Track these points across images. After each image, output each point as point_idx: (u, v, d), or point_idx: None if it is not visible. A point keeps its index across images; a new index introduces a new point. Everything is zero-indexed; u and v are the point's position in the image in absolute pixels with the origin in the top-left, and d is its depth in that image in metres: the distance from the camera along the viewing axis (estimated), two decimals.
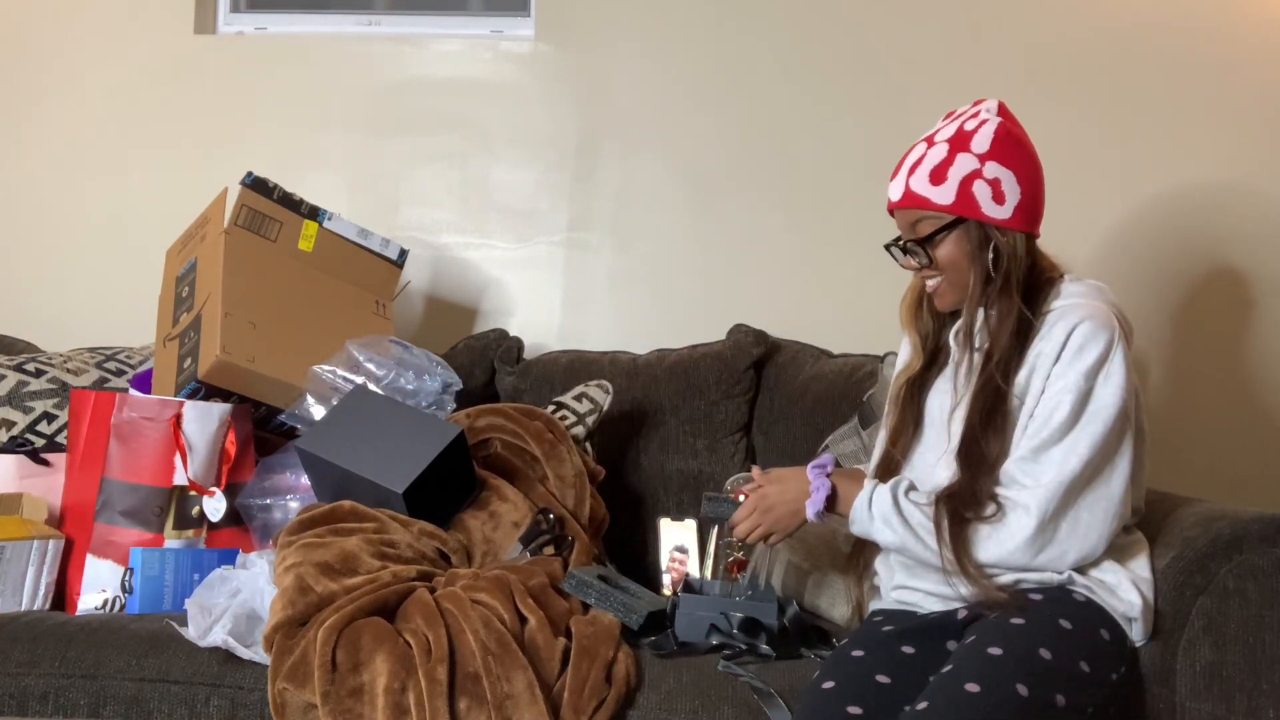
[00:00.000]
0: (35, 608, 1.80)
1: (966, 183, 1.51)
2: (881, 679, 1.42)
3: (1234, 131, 2.48)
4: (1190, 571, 1.47)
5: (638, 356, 2.40)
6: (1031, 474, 1.46)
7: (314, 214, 2.24)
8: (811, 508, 1.54)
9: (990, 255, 1.52)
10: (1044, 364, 1.49)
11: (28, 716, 1.56)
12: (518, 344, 2.44)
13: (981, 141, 1.52)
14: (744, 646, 1.64)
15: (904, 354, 1.71)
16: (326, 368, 2.03)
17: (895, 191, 1.57)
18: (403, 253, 2.35)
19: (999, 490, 1.48)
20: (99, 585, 1.81)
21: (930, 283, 1.58)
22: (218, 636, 1.55)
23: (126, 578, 1.80)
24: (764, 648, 1.64)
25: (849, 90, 2.57)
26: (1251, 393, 2.47)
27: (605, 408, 2.16)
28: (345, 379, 2.02)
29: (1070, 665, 1.37)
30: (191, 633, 1.57)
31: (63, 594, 1.84)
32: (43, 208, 2.68)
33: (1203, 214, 2.47)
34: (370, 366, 2.04)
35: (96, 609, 1.80)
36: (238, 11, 2.77)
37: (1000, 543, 1.45)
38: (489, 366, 2.39)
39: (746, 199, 2.59)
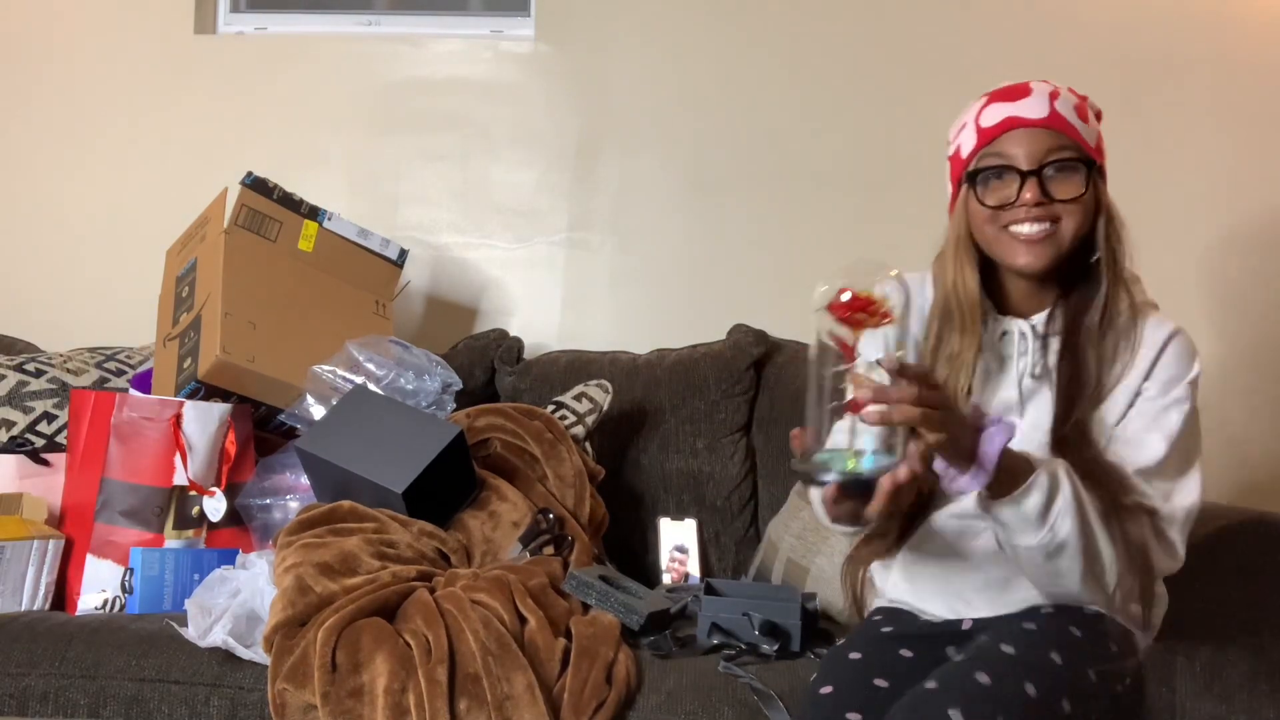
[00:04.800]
0: (35, 608, 1.80)
1: (1100, 136, 1.40)
2: (879, 683, 1.35)
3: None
4: (1192, 571, 1.47)
5: (638, 356, 2.40)
6: (1160, 491, 1.35)
7: (314, 214, 2.24)
8: (988, 457, 1.19)
9: (1103, 222, 1.38)
10: (1137, 367, 1.38)
11: (28, 716, 1.56)
12: (518, 344, 2.44)
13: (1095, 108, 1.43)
14: (743, 646, 1.64)
15: (921, 328, 1.43)
16: (326, 368, 2.03)
17: (1036, 109, 1.37)
18: (403, 253, 2.35)
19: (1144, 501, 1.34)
20: (99, 585, 1.81)
21: (1035, 228, 1.36)
22: (218, 636, 1.55)
23: (126, 578, 1.80)
24: (764, 647, 1.63)
25: (849, 90, 2.57)
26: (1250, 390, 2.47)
27: (605, 407, 2.16)
28: (345, 379, 2.02)
29: (1079, 673, 1.32)
30: (191, 633, 1.57)
31: (63, 594, 1.83)
32: (43, 208, 2.68)
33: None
34: (370, 366, 2.04)
35: (96, 609, 1.80)
36: (238, 11, 2.77)
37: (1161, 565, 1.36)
38: (489, 366, 2.39)
39: (746, 199, 2.58)
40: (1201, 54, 2.51)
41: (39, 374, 2.14)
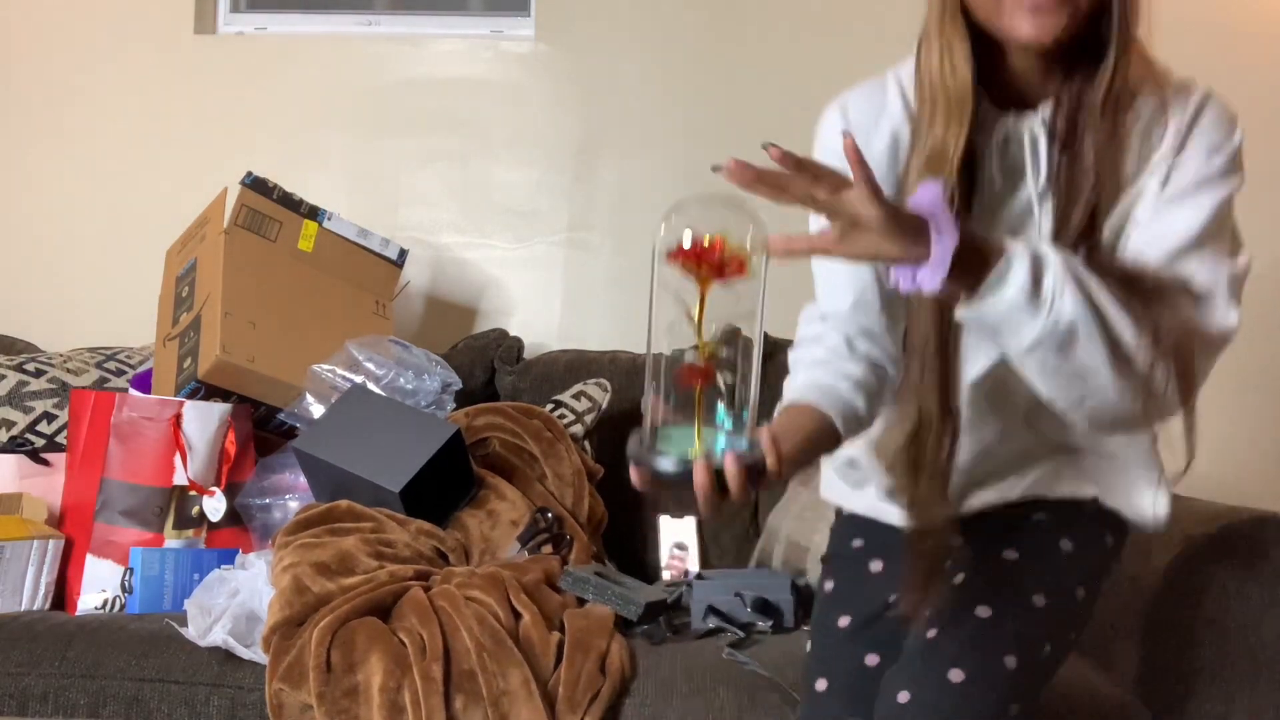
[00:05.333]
0: (35, 608, 1.80)
1: None
2: (870, 660, 1.22)
3: None
4: (1192, 571, 1.47)
5: (638, 356, 2.40)
6: (1196, 267, 1.11)
7: (314, 214, 2.24)
8: (940, 256, 0.95)
9: None
10: (1165, 145, 1.13)
11: (28, 716, 1.56)
12: (518, 344, 2.44)
13: None
14: (739, 629, 1.64)
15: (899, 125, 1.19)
16: (326, 367, 2.04)
17: None
18: (402, 253, 2.35)
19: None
20: (99, 585, 1.81)
21: None
22: (218, 636, 1.55)
23: (126, 578, 1.80)
24: (759, 624, 1.64)
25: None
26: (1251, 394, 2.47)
27: (604, 406, 2.16)
28: (345, 378, 2.02)
29: (1066, 604, 1.20)
30: (191, 632, 1.57)
31: (63, 594, 1.83)
32: (43, 208, 2.68)
33: None
34: (370, 366, 2.04)
35: (96, 609, 1.80)
36: (238, 11, 2.77)
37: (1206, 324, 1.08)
38: (489, 366, 2.39)
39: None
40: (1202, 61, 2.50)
41: (39, 374, 2.14)
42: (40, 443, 2.07)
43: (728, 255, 0.94)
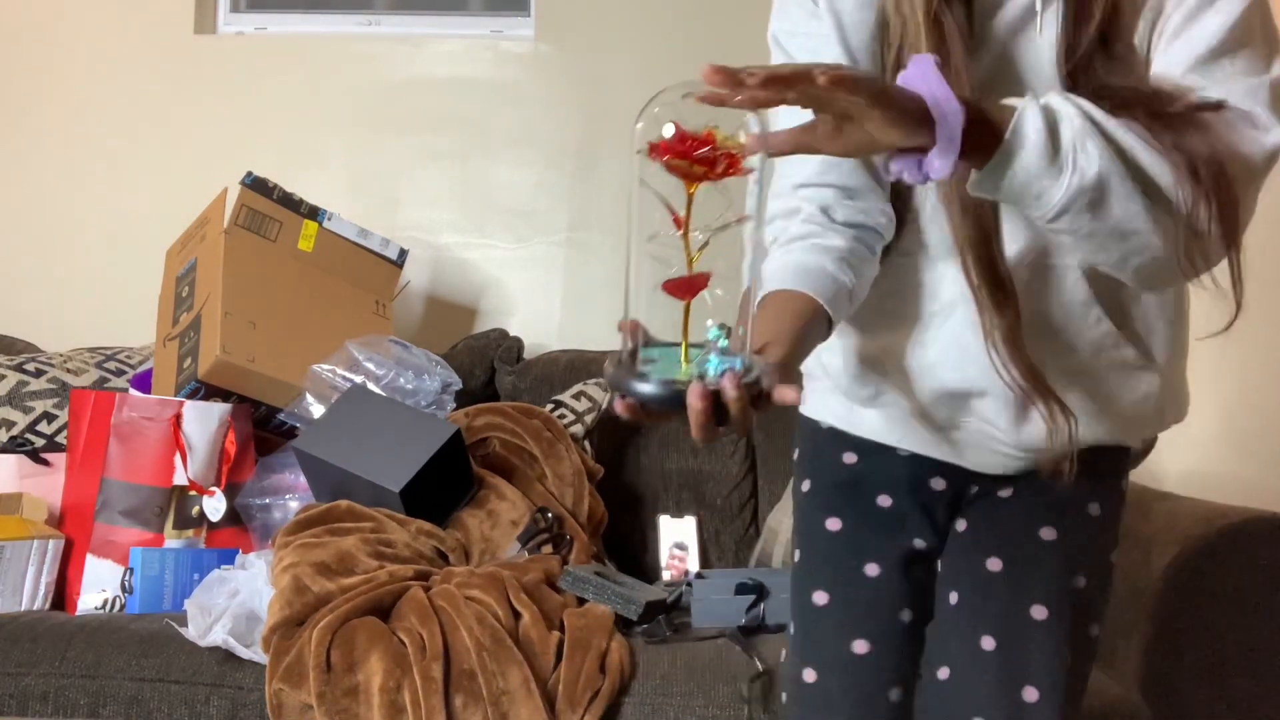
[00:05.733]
0: (35, 608, 1.80)
1: None
2: (870, 571, 1.12)
3: None
4: (1191, 571, 1.47)
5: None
6: (1227, 75, 0.96)
7: (314, 214, 2.24)
8: (947, 137, 0.84)
9: None
10: None
11: (28, 716, 1.56)
12: (518, 344, 2.44)
13: None
14: (738, 629, 1.65)
15: None
16: (326, 367, 2.04)
17: None
18: (402, 253, 2.35)
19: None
20: (99, 585, 1.81)
21: None
22: (218, 636, 1.55)
23: (126, 578, 1.80)
24: (745, 618, 1.64)
25: None
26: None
27: (604, 406, 2.16)
28: (345, 378, 2.02)
29: (1104, 577, 1.13)
30: (191, 632, 1.57)
31: (63, 594, 1.84)
32: (43, 208, 2.68)
33: None
34: (370, 366, 2.04)
35: (96, 609, 1.80)
36: (238, 11, 2.77)
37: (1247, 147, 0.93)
38: (489, 366, 2.39)
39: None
40: None
41: (39, 374, 2.14)
42: (40, 443, 2.07)
43: (719, 149, 0.79)
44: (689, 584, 1.77)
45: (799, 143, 0.85)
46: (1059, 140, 0.88)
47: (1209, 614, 1.44)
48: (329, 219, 2.25)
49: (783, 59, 1.09)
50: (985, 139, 0.87)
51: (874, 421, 1.18)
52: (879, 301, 1.11)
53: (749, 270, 0.90)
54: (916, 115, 0.83)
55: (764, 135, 0.81)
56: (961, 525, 1.16)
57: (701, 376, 0.80)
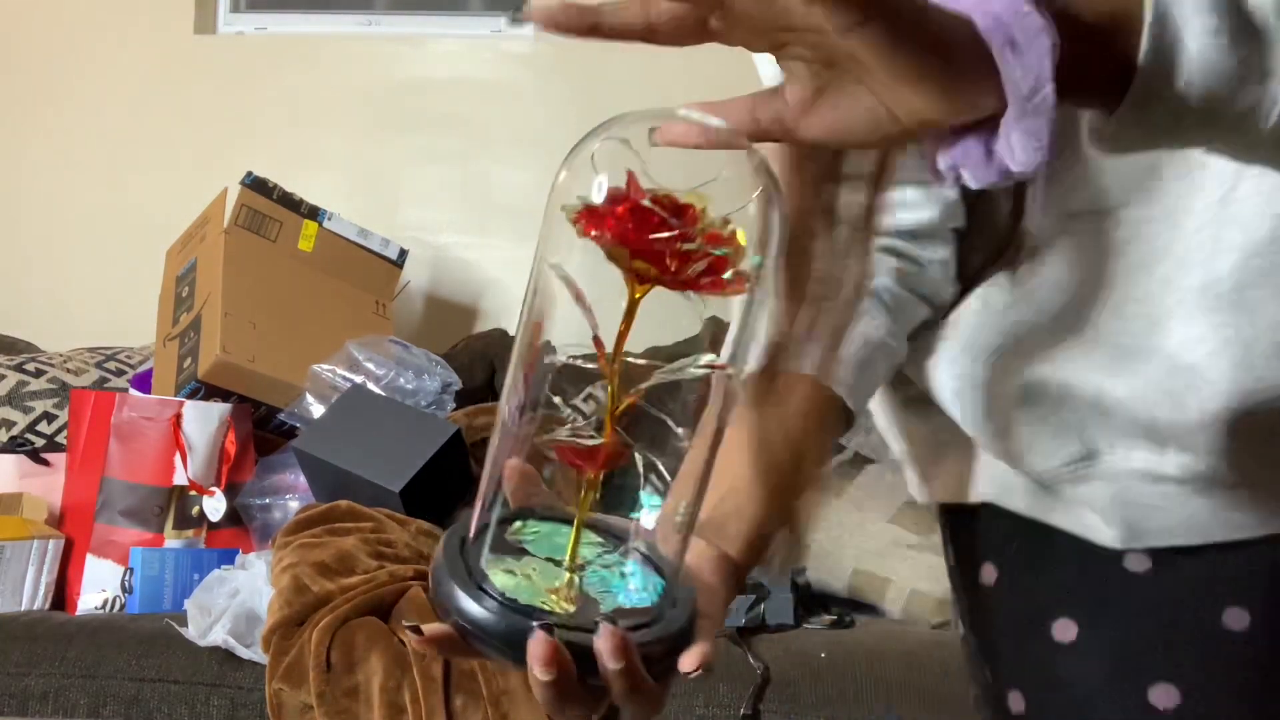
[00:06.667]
0: (35, 608, 1.80)
1: None
2: None
3: None
4: None
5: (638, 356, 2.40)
6: None
7: (314, 214, 2.24)
8: (1025, 100, 0.44)
9: None
10: None
11: (28, 716, 1.56)
12: None
13: None
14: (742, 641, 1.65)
15: None
16: (326, 367, 2.04)
17: None
18: (402, 253, 2.35)
19: None
20: (99, 585, 1.81)
21: None
22: (218, 636, 1.55)
23: (126, 578, 1.80)
24: (744, 619, 1.65)
25: None
26: None
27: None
28: (345, 378, 2.02)
29: None
30: (191, 632, 1.58)
31: (63, 594, 1.83)
32: (43, 208, 2.68)
33: None
34: (370, 366, 2.04)
35: (96, 609, 1.80)
36: (238, 11, 2.77)
37: None
38: (489, 366, 2.39)
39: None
40: None
41: (39, 374, 2.14)
42: (40, 443, 2.07)
43: (699, 236, 0.46)
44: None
45: (747, 125, 0.52)
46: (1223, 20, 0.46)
47: None
48: (329, 219, 2.25)
49: None
50: (1098, 61, 0.47)
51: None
52: None
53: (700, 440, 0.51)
54: (964, 55, 0.45)
55: (682, 125, 0.51)
56: None
57: (580, 604, 0.48)
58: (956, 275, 0.70)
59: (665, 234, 0.45)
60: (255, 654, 1.54)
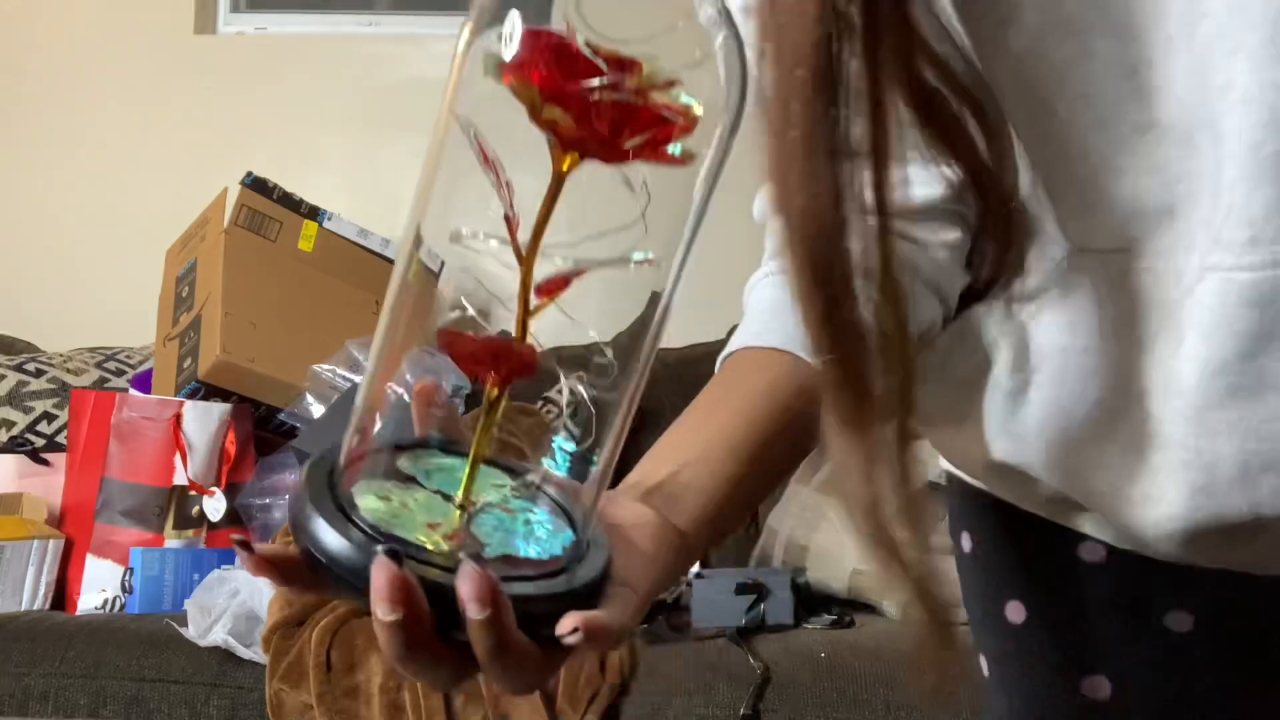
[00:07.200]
0: (35, 608, 1.80)
1: None
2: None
3: None
4: None
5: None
6: None
7: (314, 214, 2.24)
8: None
9: None
10: None
11: (28, 716, 1.56)
12: None
13: None
14: (737, 629, 1.65)
15: None
16: (326, 367, 2.04)
17: None
18: None
19: None
20: (99, 585, 1.81)
21: None
22: (218, 636, 1.55)
23: (126, 577, 1.80)
24: (745, 619, 1.64)
25: None
26: None
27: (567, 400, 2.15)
28: (345, 378, 2.02)
29: None
30: (191, 633, 1.58)
31: (63, 594, 1.84)
32: (43, 208, 2.68)
33: None
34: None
35: (96, 609, 1.80)
36: (238, 11, 2.77)
37: None
38: None
39: (746, 197, 2.58)
40: None
41: (39, 374, 2.14)
42: (40, 443, 2.07)
43: (645, 93, 0.40)
44: (689, 584, 1.77)
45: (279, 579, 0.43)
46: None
47: None
48: (329, 219, 2.25)
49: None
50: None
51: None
52: None
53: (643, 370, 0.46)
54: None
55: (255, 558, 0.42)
56: None
57: (470, 545, 0.41)
58: (966, 265, 0.63)
59: (594, 80, 0.37)
60: (255, 654, 1.55)
